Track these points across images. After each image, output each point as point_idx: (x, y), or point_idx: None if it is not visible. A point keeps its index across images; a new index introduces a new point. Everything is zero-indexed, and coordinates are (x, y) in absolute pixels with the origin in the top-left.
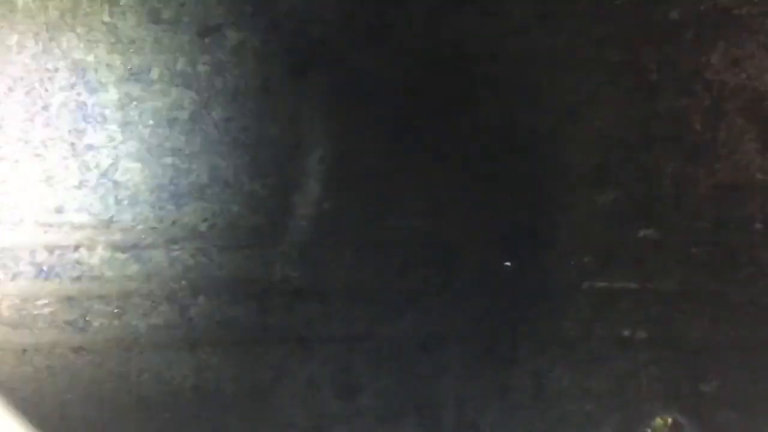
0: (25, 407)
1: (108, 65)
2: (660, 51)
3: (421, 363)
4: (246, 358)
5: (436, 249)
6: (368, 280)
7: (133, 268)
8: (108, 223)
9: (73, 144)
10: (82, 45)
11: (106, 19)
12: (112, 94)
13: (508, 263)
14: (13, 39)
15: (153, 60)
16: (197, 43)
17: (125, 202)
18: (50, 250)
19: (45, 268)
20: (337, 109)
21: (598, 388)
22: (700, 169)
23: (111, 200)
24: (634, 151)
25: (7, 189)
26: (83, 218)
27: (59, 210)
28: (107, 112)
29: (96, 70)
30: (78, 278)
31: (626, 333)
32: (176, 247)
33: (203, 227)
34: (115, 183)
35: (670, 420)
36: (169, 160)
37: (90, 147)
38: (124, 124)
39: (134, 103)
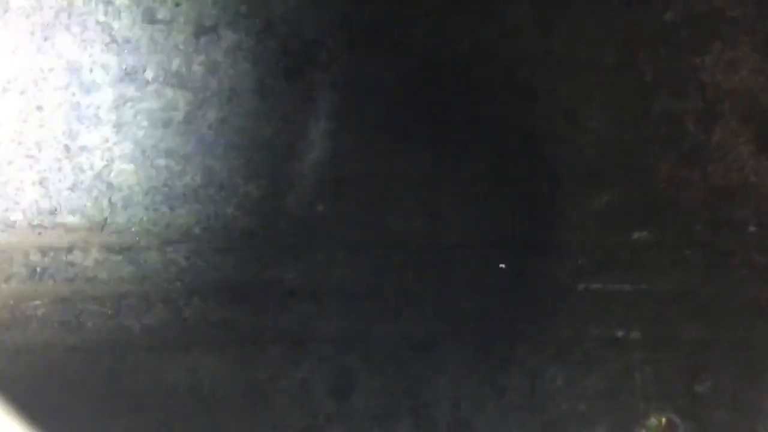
0: (18, 407)
1: (103, 65)
2: (655, 53)
3: (416, 363)
4: (240, 359)
5: (432, 250)
6: (363, 281)
7: (127, 270)
8: (102, 225)
9: (67, 145)
10: (76, 45)
11: (101, 18)
12: (107, 95)
13: (503, 265)
14: (7, 39)
15: (148, 60)
16: (192, 44)
17: (119, 204)
18: (44, 251)
19: (39, 270)
20: (332, 110)
21: (592, 388)
22: (695, 171)
23: (105, 202)
24: (628, 153)
25: (0, 190)
26: (77, 220)
27: (53, 212)
28: (101, 113)
29: (91, 70)
30: (72, 280)
31: (621, 334)
32: (170, 248)
33: (197, 229)
34: (109, 185)
35: (664, 420)
36: (163, 161)
37: (84, 148)
38: (119, 126)
39: (129, 103)
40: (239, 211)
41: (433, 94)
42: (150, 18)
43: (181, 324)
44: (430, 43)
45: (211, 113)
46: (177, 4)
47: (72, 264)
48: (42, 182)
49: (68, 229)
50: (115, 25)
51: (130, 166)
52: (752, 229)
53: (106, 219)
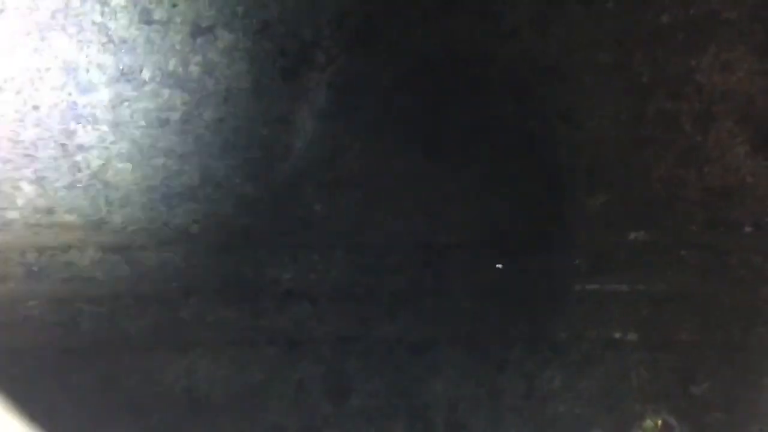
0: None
1: (99, 65)
2: (651, 54)
3: (412, 365)
4: (237, 360)
5: (428, 251)
6: (359, 282)
7: (124, 270)
8: (99, 225)
9: (63, 145)
10: (73, 45)
11: (98, 19)
12: (104, 95)
13: (499, 265)
14: (4, 39)
15: (145, 60)
16: (189, 44)
17: (116, 204)
18: (40, 251)
19: (35, 269)
20: (328, 111)
21: (589, 389)
22: (691, 172)
23: (102, 201)
24: (625, 153)
25: None
26: (74, 219)
27: (50, 211)
28: (98, 112)
29: (87, 70)
30: (68, 279)
31: (617, 335)
32: (167, 248)
33: (194, 229)
34: (106, 184)
35: (660, 421)
36: (160, 161)
37: (81, 147)
38: (116, 125)
39: (126, 103)
40: (236, 211)
41: (430, 94)
42: (147, 18)
43: (177, 324)
44: (427, 44)
45: (207, 113)
46: (174, 5)
47: (68, 263)
48: (39, 181)
49: (65, 228)
50: (112, 25)
51: (127, 166)
52: (749, 229)
53: (102, 218)
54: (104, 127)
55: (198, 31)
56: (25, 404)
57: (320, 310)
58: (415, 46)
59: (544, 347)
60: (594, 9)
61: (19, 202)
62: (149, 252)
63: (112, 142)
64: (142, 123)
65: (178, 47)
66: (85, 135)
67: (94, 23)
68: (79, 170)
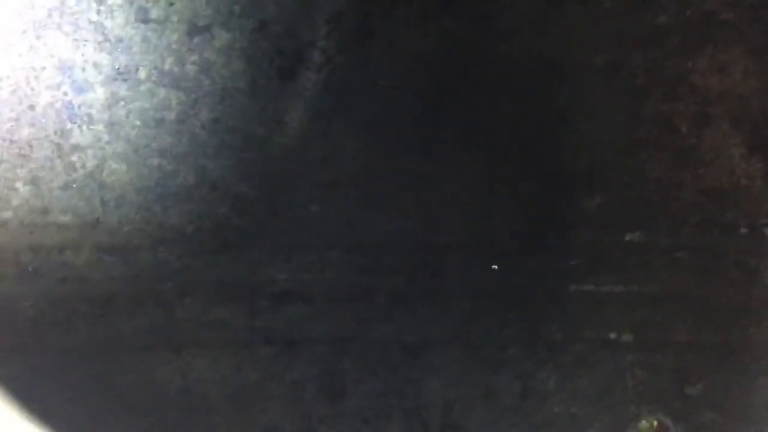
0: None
1: (95, 64)
2: (647, 55)
3: (407, 365)
4: (232, 360)
5: (423, 252)
6: (355, 282)
7: (119, 270)
8: (94, 225)
9: (59, 144)
10: (69, 44)
11: (94, 17)
12: (99, 94)
13: (495, 266)
14: None
15: (141, 59)
16: (186, 43)
17: (111, 204)
18: (35, 250)
19: (30, 270)
20: (325, 111)
21: (584, 390)
22: (686, 173)
23: (97, 201)
24: (620, 155)
25: None
26: (69, 219)
27: (45, 211)
28: (94, 112)
29: (83, 70)
30: (63, 279)
31: (612, 336)
32: (163, 248)
33: (190, 229)
34: (102, 184)
35: (655, 422)
36: (156, 161)
37: (76, 147)
38: (111, 125)
39: (121, 103)
40: (232, 211)
41: (427, 95)
42: (143, 17)
43: (172, 325)
44: (425, 44)
45: (204, 113)
46: (170, 4)
47: (63, 264)
48: (34, 181)
49: (60, 228)
50: (108, 24)
51: (123, 166)
52: (744, 231)
53: (98, 218)
54: (100, 127)
55: (195, 30)
56: (21, 405)
57: (316, 310)
58: (413, 46)
59: (539, 348)
60: (592, 9)
61: (14, 202)
62: (144, 252)
63: (107, 142)
64: (138, 123)
65: (174, 46)
66: (81, 135)
67: (90, 22)
68: (75, 170)
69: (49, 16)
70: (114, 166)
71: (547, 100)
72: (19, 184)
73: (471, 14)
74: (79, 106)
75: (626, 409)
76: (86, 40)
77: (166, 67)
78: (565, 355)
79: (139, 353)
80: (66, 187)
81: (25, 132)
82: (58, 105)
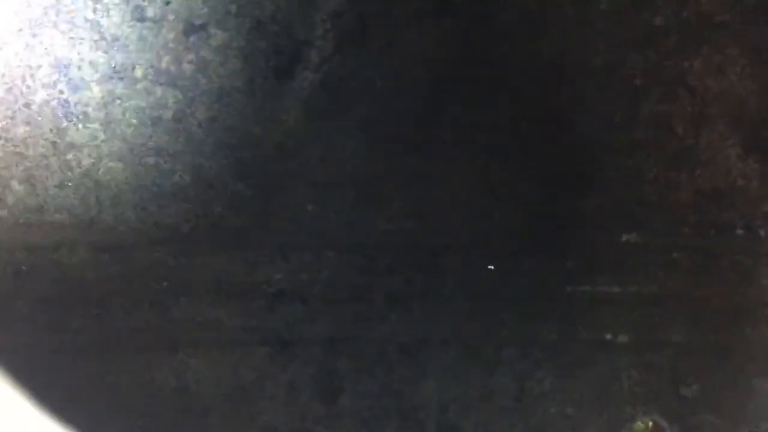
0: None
1: (91, 63)
2: (644, 56)
3: (403, 366)
4: (227, 360)
5: (419, 252)
6: (351, 282)
7: (115, 269)
8: (89, 224)
9: (54, 143)
10: (65, 42)
11: (90, 16)
12: (95, 93)
13: (491, 267)
14: None
15: (137, 58)
16: (182, 42)
17: (107, 203)
18: (30, 249)
19: (24, 269)
20: (321, 110)
21: (580, 391)
22: (683, 174)
23: (92, 200)
24: (618, 155)
25: None
26: (64, 218)
27: (40, 209)
28: (90, 110)
29: (79, 68)
30: (58, 279)
31: (608, 336)
32: (158, 248)
33: (186, 228)
34: (97, 183)
35: (650, 423)
36: (152, 159)
37: (72, 146)
38: (107, 123)
39: (117, 101)
40: (228, 211)
41: (425, 95)
42: (139, 16)
43: (167, 324)
44: (421, 44)
45: (200, 112)
46: (167, 3)
47: (58, 263)
48: (29, 179)
49: (55, 227)
50: (104, 22)
51: (119, 165)
52: (740, 231)
53: (93, 217)
54: (95, 125)
55: (191, 29)
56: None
57: (312, 310)
58: (409, 47)
59: (535, 349)
60: (588, 11)
61: (9, 200)
62: (140, 251)
63: (103, 141)
64: (134, 121)
65: (171, 45)
66: (77, 133)
67: (86, 20)
68: (70, 169)
69: (45, 14)
70: (110, 164)
71: (545, 100)
72: (14, 183)
73: (469, 15)
74: (75, 105)
75: (622, 409)
76: (82, 39)
77: (163, 65)
78: (561, 356)
79: (135, 353)
80: (61, 185)
81: (21, 130)
82: (54, 103)
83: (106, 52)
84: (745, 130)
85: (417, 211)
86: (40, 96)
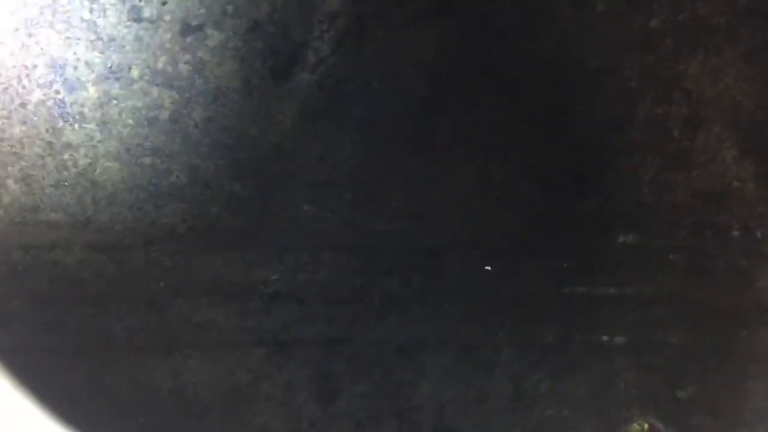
0: None
1: (87, 63)
2: (640, 59)
3: (400, 367)
4: (224, 361)
5: (417, 253)
6: (348, 283)
7: (111, 270)
8: (85, 223)
9: (50, 143)
10: (61, 42)
11: (86, 16)
12: (91, 93)
13: (488, 267)
14: None
15: (133, 58)
16: (179, 42)
17: (103, 202)
18: (25, 249)
19: (20, 268)
20: (318, 111)
21: (576, 393)
22: (679, 176)
23: (88, 200)
24: (614, 157)
25: None
26: (60, 218)
27: (35, 209)
28: (86, 110)
29: (75, 68)
30: (53, 279)
31: (605, 338)
32: (155, 248)
33: (182, 228)
34: (93, 182)
35: (647, 425)
36: (148, 160)
37: (68, 146)
38: (103, 123)
39: (114, 101)
40: (225, 211)
41: (422, 96)
42: (136, 16)
43: (164, 325)
44: (418, 45)
45: (197, 112)
46: (163, 3)
47: (54, 262)
48: (25, 179)
49: (51, 226)
50: (101, 22)
51: (115, 164)
52: (736, 233)
53: (89, 217)
54: (92, 126)
55: (188, 29)
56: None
57: (308, 311)
58: (406, 47)
59: (532, 350)
60: (585, 13)
61: (5, 200)
62: (136, 251)
63: (99, 141)
64: (130, 122)
65: (167, 45)
66: (73, 133)
67: (82, 20)
68: (66, 169)
69: (41, 14)
70: (106, 164)
71: (543, 102)
72: (9, 182)
73: (466, 16)
74: (71, 105)
75: (618, 412)
76: (78, 39)
77: (159, 66)
78: (557, 358)
79: (131, 354)
80: (57, 185)
81: (17, 130)
82: (49, 103)
83: (102, 53)
84: (741, 132)
85: (415, 212)
86: (36, 96)
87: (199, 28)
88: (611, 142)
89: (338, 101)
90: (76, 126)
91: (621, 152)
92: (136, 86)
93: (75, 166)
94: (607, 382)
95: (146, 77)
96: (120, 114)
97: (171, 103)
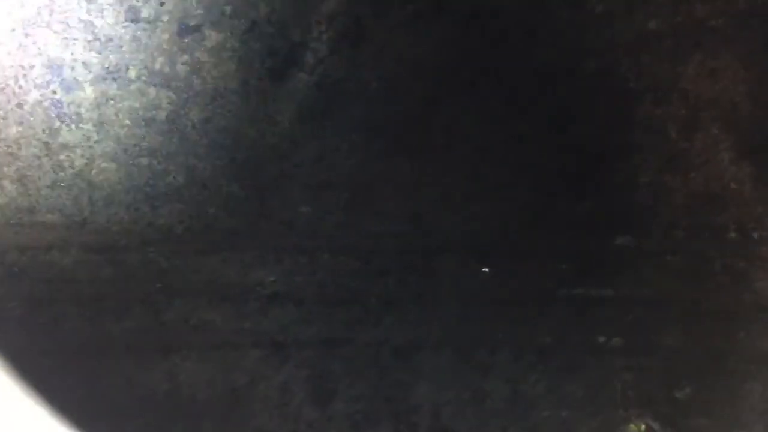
0: None
1: (84, 63)
2: (638, 61)
3: (397, 369)
4: (220, 363)
5: (414, 255)
6: (345, 285)
7: (107, 270)
8: (82, 224)
9: (47, 143)
10: (58, 42)
11: (84, 16)
12: (88, 93)
13: (485, 269)
14: None
15: (131, 59)
16: (176, 43)
17: (100, 203)
18: (22, 250)
19: (16, 269)
20: (316, 112)
21: (573, 394)
22: (676, 178)
23: (85, 201)
24: (611, 159)
25: None
26: (56, 219)
27: (32, 210)
28: (83, 110)
29: (72, 68)
30: (50, 280)
31: (602, 340)
32: (151, 249)
33: (179, 229)
34: (90, 183)
35: (643, 426)
36: (145, 160)
37: (64, 146)
38: (100, 124)
39: (111, 102)
40: (222, 212)
41: (418, 97)
42: (133, 16)
43: (160, 326)
44: (415, 47)
45: (194, 113)
46: (161, 3)
47: (50, 264)
48: (21, 180)
49: (47, 227)
50: (98, 23)
51: (112, 165)
52: (732, 235)
53: (86, 218)
54: (88, 126)
55: (185, 29)
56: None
57: (305, 312)
58: (404, 49)
59: (528, 352)
60: (582, 14)
61: (1, 200)
62: (133, 253)
63: (96, 141)
64: (127, 122)
65: (165, 46)
66: (69, 134)
67: (80, 20)
68: (62, 169)
69: (39, 14)
70: (103, 165)
71: (540, 103)
72: (6, 183)
73: (463, 18)
74: (67, 105)
75: (615, 413)
76: (76, 39)
77: (157, 66)
78: (554, 359)
79: (127, 355)
80: (54, 186)
81: (13, 130)
82: (46, 103)
83: (99, 53)
84: (738, 133)
85: (411, 214)
86: (33, 96)
87: (197, 28)
88: (608, 144)
89: (336, 102)
90: (73, 126)
91: (618, 154)
92: (133, 87)
93: (71, 166)
94: (604, 384)
95: (143, 78)
96: (117, 114)
97: (168, 103)
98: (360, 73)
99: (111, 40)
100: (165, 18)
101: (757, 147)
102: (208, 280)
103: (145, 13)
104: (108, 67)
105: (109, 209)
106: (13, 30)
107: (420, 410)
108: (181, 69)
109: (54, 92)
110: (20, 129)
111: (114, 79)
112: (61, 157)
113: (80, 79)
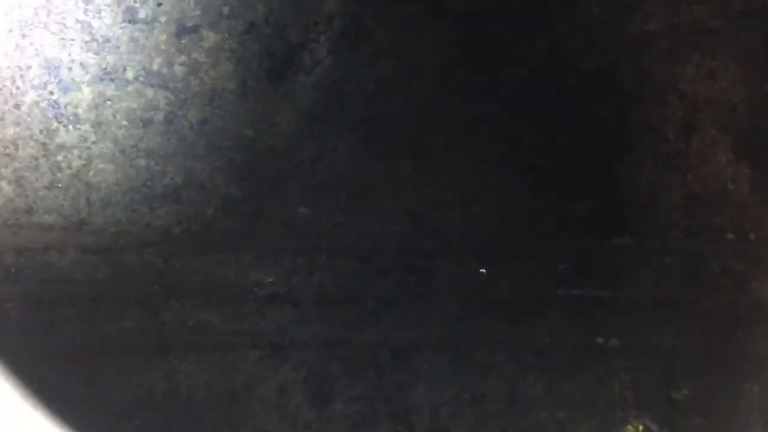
0: None
1: (82, 64)
2: (636, 62)
3: (395, 370)
4: (218, 364)
5: (413, 255)
6: (344, 285)
7: (105, 272)
8: (79, 225)
9: (44, 144)
10: (55, 43)
11: (81, 17)
12: (86, 94)
13: (483, 270)
14: None
15: (128, 60)
16: (174, 44)
17: (97, 204)
18: (19, 251)
19: (13, 270)
20: (314, 113)
21: (571, 395)
22: (674, 178)
23: (82, 202)
24: (609, 160)
25: None
26: (54, 220)
27: (29, 211)
28: (80, 111)
29: (69, 69)
30: (47, 281)
31: (599, 340)
32: (149, 250)
33: (177, 230)
34: (87, 184)
35: (641, 427)
36: (143, 161)
37: (62, 147)
38: (98, 125)
39: (108, 103)
40: (219, 213)
41: (416, 98)
42: (131, 17)
43: (158, 327)
44: (414, 48)
45: (192, 114)
46: (158, 4)
47: (48, 265)
48: (18, 181)
49: (44, 228)
50: (95, 23)
51: (109, 166)
52: (730, 236)
53: (83, 219)
54: (86, 127)
55: (183, 30)
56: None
57: (303, 313)
58: (402, 50)
59: (527, 352)
60: (579, 16)
61: None
62: (130, 254)
63: (93, 142)
64: (125, 123)
65: (162, 47)
66: (67, 134)
67: (77, 21)
68: (60, 170)
69: (36, 15)
70: (100, 166)
71: (538, 104)
72: (3, 184)
73: (462, 19)
74: (65, 106)
75: (613, 413)
76: (73, 40)
77: (154, 67)
78: (552, 360)
79: (125, 356)
80: (51, 186)
81: (10, 131)
82: (43, 104)
83: (97, 54)
84: (735, 135)
85: (409, 215)
86: (30, 97)
87: (195, 29)
88: (605, 145)
89: (334, 103)
90: (71, 127)
91: (615, 155)
92: (131, 87)
93: (69, 167)
94: (601, 385)
95: (141, 79)
96: (114, 115)
97: (166, 104)
98: (359, 74)
99: (108, 40)
100: (162, 19)
101: (755, 148)
102: (207, 281)
103: (142, 13)
104: (105, 68)
105: (106, 210)
106: (11, 31)
107: (419, 411)
108: (179, 70)
109: (51, 93)
110: (17, 130)
111: (111, 80)
112: (59, 158)
113: (77, 79)
